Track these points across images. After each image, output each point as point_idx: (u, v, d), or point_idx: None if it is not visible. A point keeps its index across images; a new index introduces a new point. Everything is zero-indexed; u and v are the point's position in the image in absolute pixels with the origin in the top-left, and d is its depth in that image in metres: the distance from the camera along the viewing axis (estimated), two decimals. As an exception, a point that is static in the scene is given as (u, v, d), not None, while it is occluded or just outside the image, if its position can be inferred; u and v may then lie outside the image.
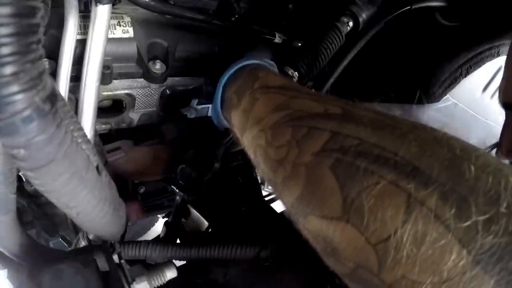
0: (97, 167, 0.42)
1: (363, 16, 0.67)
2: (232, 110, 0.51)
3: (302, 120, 0.35)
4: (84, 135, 0.39)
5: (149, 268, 0.58)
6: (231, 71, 0.56)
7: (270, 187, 1.18)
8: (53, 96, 0.31)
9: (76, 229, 0.70)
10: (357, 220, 0.26)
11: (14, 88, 0.27)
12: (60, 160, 0.33)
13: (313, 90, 0.96)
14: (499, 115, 0.74)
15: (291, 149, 0.34)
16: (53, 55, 0.50)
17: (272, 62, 0.61)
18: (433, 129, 0.29)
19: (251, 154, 0.44)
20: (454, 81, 0.71)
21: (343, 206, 0.28)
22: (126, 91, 0.66)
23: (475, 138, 0.76)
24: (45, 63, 0.51)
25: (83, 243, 0.59)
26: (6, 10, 0.25)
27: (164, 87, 0.70)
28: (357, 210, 0.27)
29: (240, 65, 0.56)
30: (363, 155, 0.28)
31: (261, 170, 0.41)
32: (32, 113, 0.28)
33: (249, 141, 0.44)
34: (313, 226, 0.31)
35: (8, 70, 0.26)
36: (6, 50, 0.26)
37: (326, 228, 0.29)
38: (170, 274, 0.59)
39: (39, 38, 0.29)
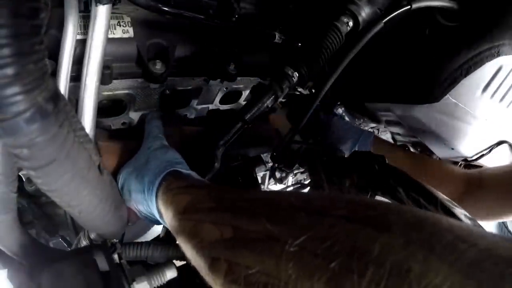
0: (98, 167, 0.42)
1: (363, 16, 0.66)
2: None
3: (205, 250, 0.37)
4: (86, 135, 0.39)
5: (149, 268, 0.58)
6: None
7: (270, 186, 1.18)
8: (56, 97, 0.31)
9: (76, 229, 0.70)
10: None
11: (17, 88, 0.27)
12: (62, 159, 0.33)
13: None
14: (499, 115, 0.75)
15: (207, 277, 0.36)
16: (53, 55, 0.50)
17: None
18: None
19: None
20: (454, 81, 0.71)
21: None
22: (126, 91, 0.66)
23: (475, 138, 0.76)
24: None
25: (84, 243, 0.59)
26: (8, 11, 0.25)
27: (164, 87, 0.70)
28: None
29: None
30: (251, 285, 0.29)
31: None
32: (35, 113, 0.28)
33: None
34: None
35: (11, 71, 0.26)
36: (8, 51, 0.25)
37: None
38: (170, 274, 0.59)
39: (42, 38, 0.29)
